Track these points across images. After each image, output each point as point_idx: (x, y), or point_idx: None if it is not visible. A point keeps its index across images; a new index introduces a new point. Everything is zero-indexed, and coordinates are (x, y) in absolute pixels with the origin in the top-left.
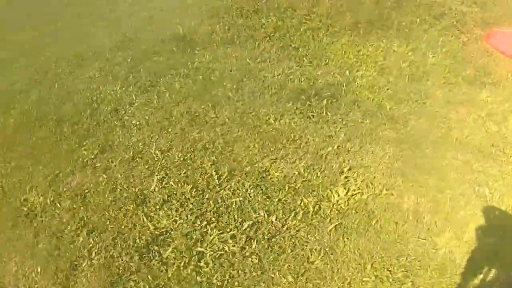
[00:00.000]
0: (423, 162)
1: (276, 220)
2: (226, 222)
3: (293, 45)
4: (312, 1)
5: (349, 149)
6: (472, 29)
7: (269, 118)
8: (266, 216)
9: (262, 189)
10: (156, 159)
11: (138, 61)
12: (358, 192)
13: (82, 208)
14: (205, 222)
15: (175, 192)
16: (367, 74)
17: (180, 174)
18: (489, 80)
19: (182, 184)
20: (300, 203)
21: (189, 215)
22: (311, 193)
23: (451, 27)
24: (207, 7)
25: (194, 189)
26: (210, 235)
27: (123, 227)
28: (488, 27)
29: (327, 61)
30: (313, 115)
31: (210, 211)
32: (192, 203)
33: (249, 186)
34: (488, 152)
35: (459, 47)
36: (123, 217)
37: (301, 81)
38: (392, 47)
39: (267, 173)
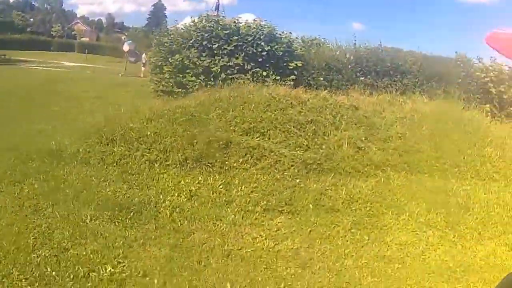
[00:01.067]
0: None
1: None
2: None
3: (129, 171)
4: (155, 137)
5: None
6: (289, 168)
7: None
8: None
9: None
10: None
11: None
12: None
13: None
14: None
15: None
16: (175, 199)
17: None
18: (289, 209)
19: None
20: None
21: None
22: None
23: (269, 167)
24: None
25: None
26: None
27: None
28: (307, 166)
29: (150, 186)
30: None
31: None
32: None
33: None
34: None
35: (271, 183)
36: None
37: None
38: (208, 180)
39: None
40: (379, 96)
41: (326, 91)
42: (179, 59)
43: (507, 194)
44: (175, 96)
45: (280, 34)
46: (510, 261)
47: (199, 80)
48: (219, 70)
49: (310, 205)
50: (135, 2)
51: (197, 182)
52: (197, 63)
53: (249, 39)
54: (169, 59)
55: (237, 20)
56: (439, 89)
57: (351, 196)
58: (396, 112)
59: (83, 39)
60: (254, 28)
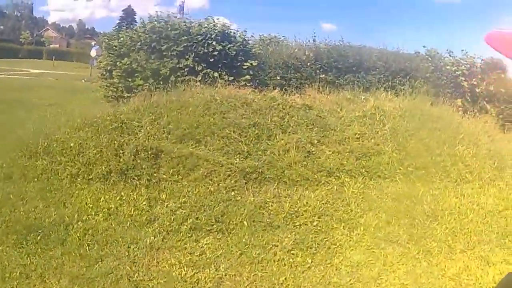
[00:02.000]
0: None
1: None
2: None
3: (49, 187)
4: (79, 148)
5: None
6: (225, 178)
7: None
8: None
9: None
10: None
11: None
12: None
13: None
14: None
15: None
16: (90, 219)
17: None
18: (220, 227)
19: None
20: None
21: None
22: None
23: (202, 178)
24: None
25: None
26: None
27: None
28: (246, 176)
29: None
30: None
31: None
32: None
33: None
34: None
35: (203, 197)
36: None
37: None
38: (132, 195)
39: None
40: (339, 94)
41: (282, 90)
42: (127, 63)
43: (482, 196)
44: (124, 101)
45: (234, 33)
46: (486, 278)
47: (148, 84)
48: (168, 72)
49: (245, 222)
50: (106, 7)
51: (118, 198)
52: (145, 66)
53: (200, 39)
54: (117, 63)
55: (188, 19)
56: (405, 85)
57: (296, 209)
58: (356, 111)
59: (53, 45)
60: (205, 27)
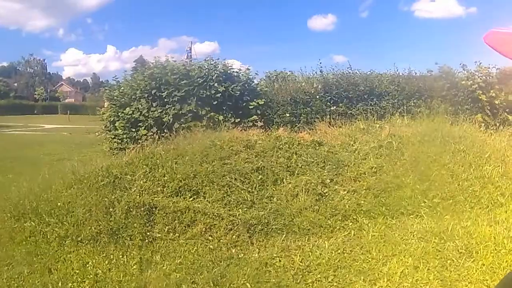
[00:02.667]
0: None
1: None
2: None
3: (36, 251)
4: (66, 209)
5: None
6: (226, 233)
7: None
8: None
9: None
10: None
11: None
12: None
13: None
14: None
15: None
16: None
17: None
18: None
19: None
20: None
21: None
22: None
23: (201, 234)
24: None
25: None
26: None
27: None
28: (250, 228)
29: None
30: None
31: None
32: None
33: None
34: None
35: (201, 256)
36: None
37: None
38: (123, 258)
39: None
40: (352, 125)
41: (292, 127)
42: (129, 113)
43: None
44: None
45: (237, 72)
46: None
47: (151, 133)
48: (171, 119)
49: (248, 284)
50: (119, 59)
51: (107, 262)
52: (147, 114)
53: (201, 82)
54: (119, 113)
55: (187, 62)
56: (421, 106)
57: (308, 263)
58: (371, 141)
59: (68, 100)
60: (206, 69)
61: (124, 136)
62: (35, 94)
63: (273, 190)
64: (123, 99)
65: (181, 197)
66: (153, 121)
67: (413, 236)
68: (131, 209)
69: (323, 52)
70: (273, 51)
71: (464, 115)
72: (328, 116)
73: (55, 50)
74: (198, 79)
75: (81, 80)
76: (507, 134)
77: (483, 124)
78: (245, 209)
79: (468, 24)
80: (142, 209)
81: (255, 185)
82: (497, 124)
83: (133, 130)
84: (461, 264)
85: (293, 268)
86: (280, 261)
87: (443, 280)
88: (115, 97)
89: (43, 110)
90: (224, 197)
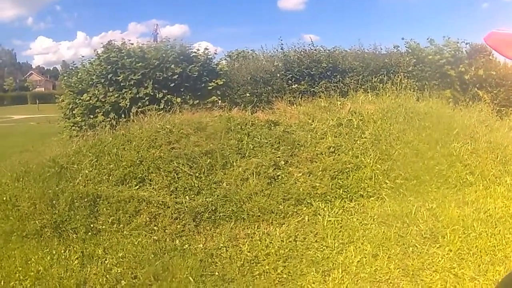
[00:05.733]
0: None
1: None
2: None
3: None
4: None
5: None
6: (171, 223)
7: None
8: None
9: None
10: None
11: None
12: None
13: None
14: None
15: None
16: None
17: None
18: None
19: None
20: None
21: None
22: None
23: (145, 224)
24: None
25: None
26: None
27: None
28: (197, 217)
29: None
30: None
31: None
32: None
33: None
34: None
35: (144, 248)
36: None
37: None
38: (65, 253)
39: None
40: (313, 103)
41: (253, 107)
42: (87, 99)
43: (488, 200)
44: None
45: (195, 52)
46: None
47: (109, 119)
48: (128, 104)
49: (191, 278)
50: (89, 45)
51: (50, 257)
52: (104, 100)
53: (157, 64)
54: (77, 100)
55: (143, 44)
56: (387, 83)
57: (256, 252)
58: (330, 119)
59: (38, 89)
60: (163, 50)
61: (83, 123)
62: (4, 85)
63: (222, 174)
64: (80, 86)
65: (126, 185)
66: (110, 106)
67: (373, 220)
68: (75, 201)
69: (294, 32)
70: (243, 32)
71: (431, 90)
72: (289, 95)
73: (25, 39)
74: (154, 61)
75: (51, 69)
76: (477, 110)
77: (451, 100)
78: (192, 196)
79: (439, 2)
80: (86, 200)
81: (203, 170)
82: (467, 100)
83: (91, 116)
84: (425, 251)
85: (240, 259)
86: (227, 251)
87: (404, 269)
88: (72, 84)
89: (12, 101)
90: (170, 183)
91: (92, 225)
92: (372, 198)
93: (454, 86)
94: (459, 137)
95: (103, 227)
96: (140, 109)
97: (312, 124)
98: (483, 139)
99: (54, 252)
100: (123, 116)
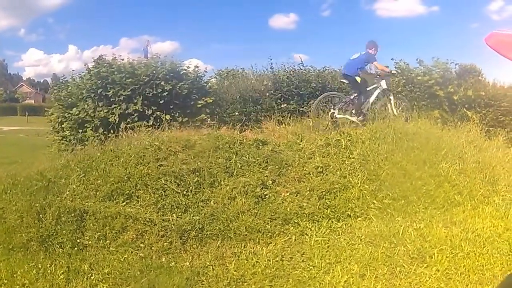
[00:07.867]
0: None
1: None
2: None
3: None
4: (2, 214)
5: None
6: (157, 240)
7: None
8: None
9: None
10: None
11: None
12: None
13: None
14: None
15: None
16: None
17: None
18: None
19: None
20: None
21: None
22: None
23: (132, 241)
24: None
25: None
26: None
27: None
28: (184, 235)
29: None
30: None
31: None
32: None
33: None
34: None
35: (131, 265)
36: None
37: None
38: (51, 268)
39: None
40: (302, 122)
41: (242, 126)
42: (76, 113)
43: (476, 219)
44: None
45: (185, 70)
46: None
47: (98, 134)
48: (117, 119)
49: None
50: (80, 59)
51: (35, 271)
52: (93, 115)
53: (147, 80)
54: (66, 114)
55: (134, 60)
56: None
57: (243, 272)
58: (318, 139)
59: (28, 101)
60: (153, 66)
61: (72, 137)
62: None
63: (210, 193)
64: (70, 99)
65: (114, 201)
66: (99, 121)
67: (360, 240)
68: (62, 215)
69: (284, 50)
70: (234, 50)
71: (420, 111)
72: (278, 114)
73: (17, 50)
74: (144, 77)
75: (42, 81)
76: (465, 130)
77: (439, 120)
78: (179, 214)
79: (430, 22)
80: (73, 214)
81: (191, 188)
82: (456, 121)
83: (80, 131)
84: (413, 271)
85: (226, 278)
86: (213, 269)
87: None
88: (62, 98)
89: (2, 112)
90: (158, 201)
91: (78, 240)
92: (359, 218)
93: (443, 106)
94: (448, 158)
95: (90, 242)
96: (129, 125)
97: (300, 144)
98: (472, 159)
99: (40, 266)
100: (112, 131)
